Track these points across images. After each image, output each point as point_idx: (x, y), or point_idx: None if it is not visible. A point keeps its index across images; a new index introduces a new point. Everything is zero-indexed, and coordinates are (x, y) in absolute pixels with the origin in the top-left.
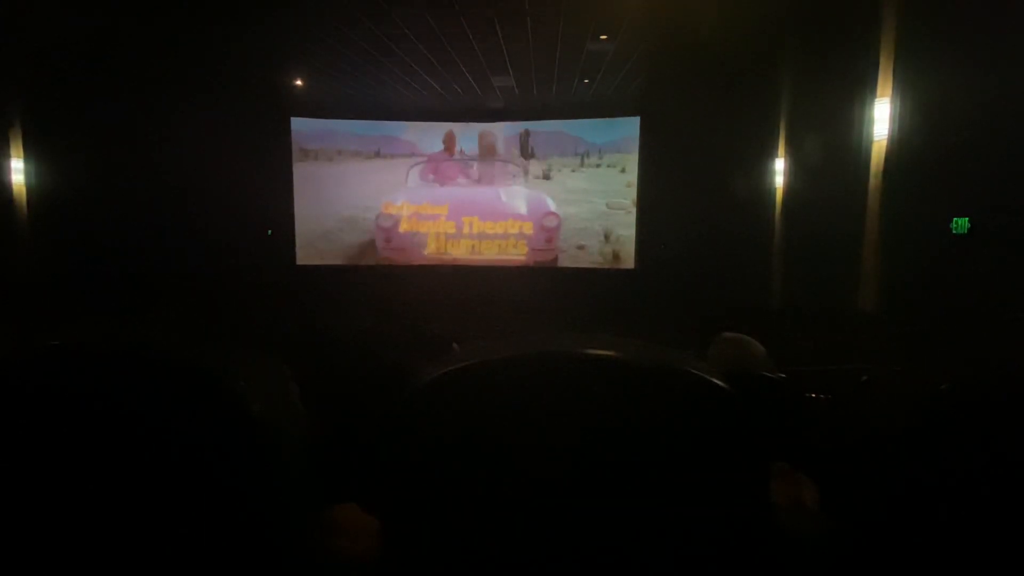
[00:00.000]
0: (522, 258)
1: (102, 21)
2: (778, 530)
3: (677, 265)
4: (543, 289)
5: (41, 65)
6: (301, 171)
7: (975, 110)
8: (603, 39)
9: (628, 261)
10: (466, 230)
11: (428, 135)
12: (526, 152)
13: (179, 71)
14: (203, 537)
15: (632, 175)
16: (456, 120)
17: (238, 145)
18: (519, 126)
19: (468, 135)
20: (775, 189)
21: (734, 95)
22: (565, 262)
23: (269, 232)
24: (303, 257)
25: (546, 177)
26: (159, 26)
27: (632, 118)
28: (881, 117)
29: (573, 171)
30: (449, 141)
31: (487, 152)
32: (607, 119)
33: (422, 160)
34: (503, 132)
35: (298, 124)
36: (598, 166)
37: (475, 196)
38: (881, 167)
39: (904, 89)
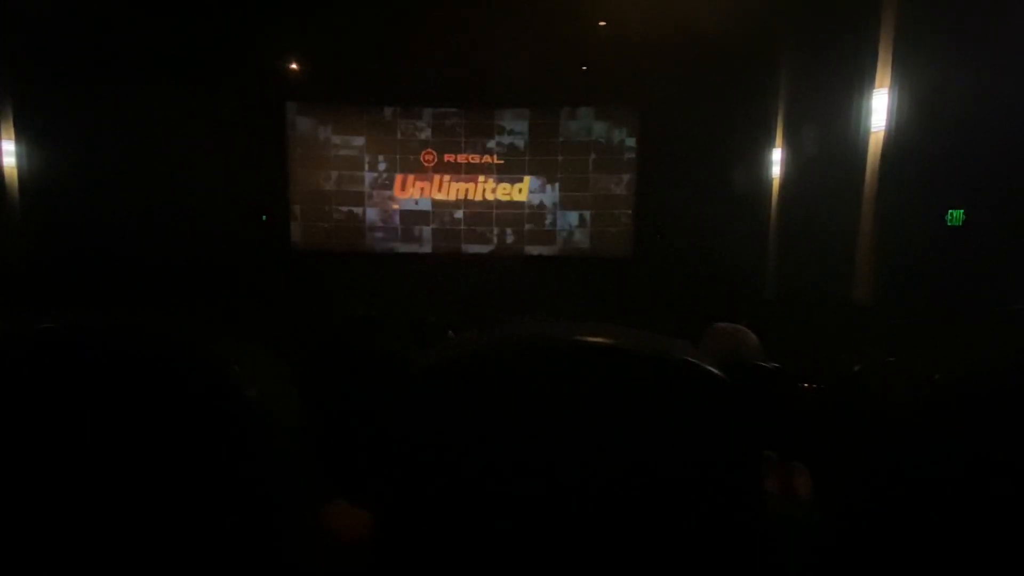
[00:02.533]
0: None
1: (96, 4)
2: (770, 518)
3: (673, 254)
4: (539, 278)
5: (33, 48)
6: (297, 156)
7: (973, 102)
8: (602, 25)
9: (624, 250)
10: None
11: (426, 120)
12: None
13: (172, 53)
14: (195, 522)
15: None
16: (454, 105)
17: (233, 128)
18: (519, 113)
19: (467, 121)
20: (772, 180)
21: (732, 85)
22: (560, 249)
23: (264, 217)
24: (298, 243)
25: (544, 165)
26: (153, 8)
27: (631, 107)
28: (879, 108)
29: (572, 159)
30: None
31: (485, 138)
32: (605, 108)
33: (419, 147)
34: (503, 119)
35: (293, 108)
36: (596, 155)
37: (470, 182)
38: (878, 158)
39: (903, 80)
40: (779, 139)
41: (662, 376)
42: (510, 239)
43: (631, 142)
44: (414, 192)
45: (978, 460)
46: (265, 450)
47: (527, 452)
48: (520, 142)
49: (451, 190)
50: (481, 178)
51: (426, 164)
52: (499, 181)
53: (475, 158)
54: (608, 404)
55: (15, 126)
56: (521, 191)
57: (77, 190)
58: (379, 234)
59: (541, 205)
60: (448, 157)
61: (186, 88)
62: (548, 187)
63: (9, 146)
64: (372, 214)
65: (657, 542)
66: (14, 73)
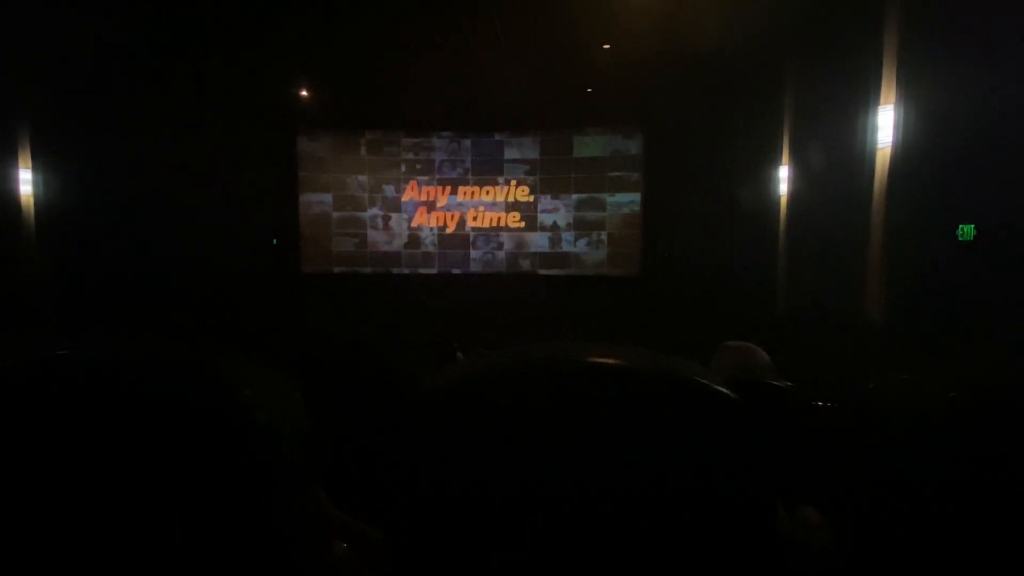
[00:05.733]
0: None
1: (110, 32)
2: (784, 539)
3: (682, 273)
4: (547, 297)
5: (49, 78)
6: (307, 181)
7: (979, 116)
8: (606, 48)
9: (632, 269)
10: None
11: (435, 146)
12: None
13: (185, 83)
14: (204, 546)
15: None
16: (463, 131)
17: (244, 155)
18: (526, 136)
19: (475, 146)
20: (779, 197)
21: (737, 104)
22: (568, 269)
23: (275, 241)
24: (308, 265)
25: (552, 186)
26: (167, 38)
27: (637, 127)
28: (885, 124)
29: (579, 180)
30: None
31: (492, 161)
32: (612, 129)
33: (427, 172)
34: (510, 143)
35: (303, 134)
36: (604, 174)
37: (479, 204)
38: (886, 174)
39: (907, 96)
40: (786, 157)
41: (672, 396)
42: (518, 260)
43: (638, 162)
44: (423, 215)
45: (995, 478)
46: (275, 474)
47: (537, 474)
48: (528, 165)
49: (460, 212)
50: (489, 200)
51: (434, 187)
52: (508, 203)
53: (483, 181)
54: (618, 425)
55: (32, 155)
56: (529, 214)
57: (92, 217)
58: (388, 256)
59: (549, 226)
60: (456, 180)
61: (199, 116)
62: (556, 208)
63: (26, 175)
64: (381, 237)
65: (668, 565)
66: (30, 103)
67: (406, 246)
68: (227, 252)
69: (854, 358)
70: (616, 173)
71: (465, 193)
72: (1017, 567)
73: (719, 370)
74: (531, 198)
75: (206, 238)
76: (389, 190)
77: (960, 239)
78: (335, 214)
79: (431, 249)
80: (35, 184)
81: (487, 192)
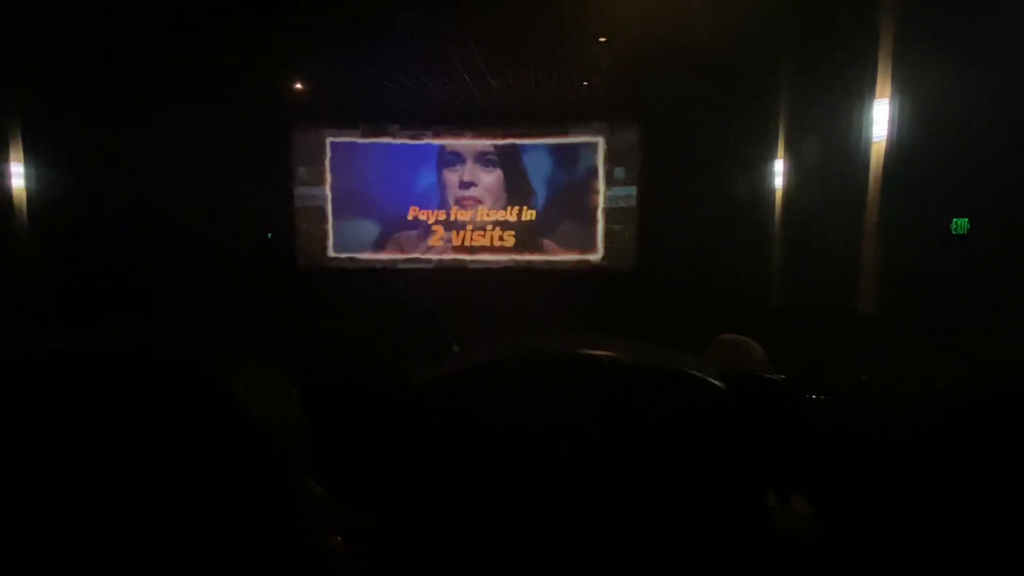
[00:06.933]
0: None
1: (103, 25)
2: (775, 532)
3: (676, 266)
4: (542, 291)
5: (42, 71)
6: (303, 175)
7: (974, 110)
8: (602, 41)
9: (627, 262)
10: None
11: (433, 140)
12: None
13: (180, 76)
14: (198, 539)
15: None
16: (461, 124)
17: (238, 150)
18: (523, 130)
19: (472, 138)
20: (774, 190)
21: (733, 97)
22: (565, 264)
23: (268, 235)
24: (303, 260)
25: (549, 180)
26: (161, 31)
27: (634, 121)
28: (880, 118)
29: (576, 173)
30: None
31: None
32: (608, 122)
33: (426, 166)
34: (507, 136)
35: (298, 127)
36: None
37: (477, 200)
38: (880, 168)
39: (903, 90)
40: (781, 150)
41: (666, 389)
42: (515, 254)
43: (634, 155)
44: (419, 209)
45: (985, 470)
46: (268, 468)
47: (531, 465)
48: (525, 158)
49: (457, 206)
50: (486, 194)
51: (432, 182)
52: (507, 199)
53: (480, 176)
54: (612, 418)
55: (24, 148)
56: (527, 209)
57: (85, 211)
58: (385, 250)
59: (547, 220)
60: (454, 175)
61: (194, 110)
62: (554, 202)
63: (18, 168)
64: (377, 231)
65: (662, 558)
66: (23, 96)
67: (401, 240)
68: (221, 246)
69: (848, 351)
70: (612, 166)
71: (464, 186)
72: (1006, 555)
73: (713, 363)
74: (531, 194)
75: (200, 232)
76: (384, 184)
77: (954, 232)
78: (331, 209)
79: (427, 243)
80: (27, 178)
81: (486, 187)
